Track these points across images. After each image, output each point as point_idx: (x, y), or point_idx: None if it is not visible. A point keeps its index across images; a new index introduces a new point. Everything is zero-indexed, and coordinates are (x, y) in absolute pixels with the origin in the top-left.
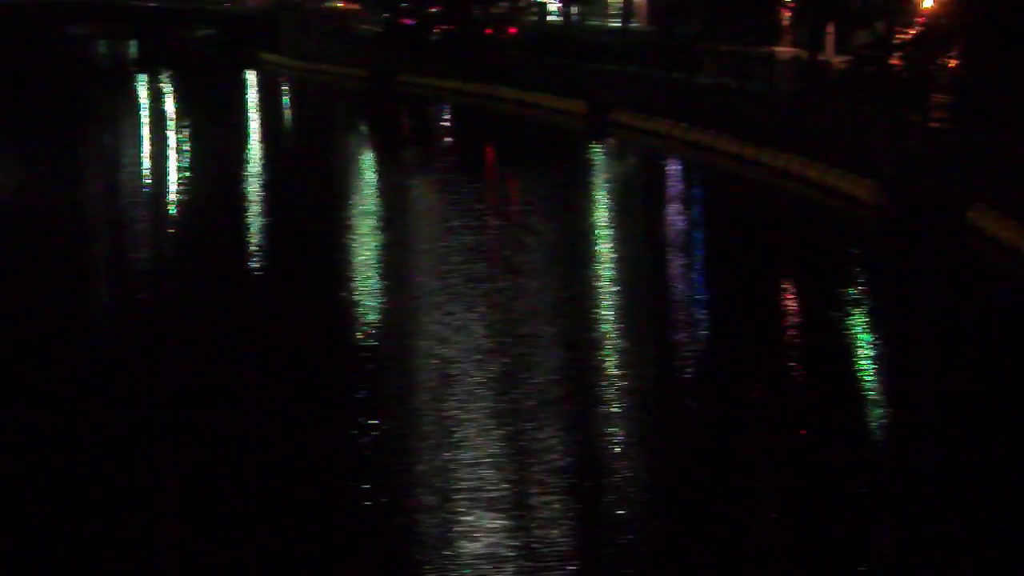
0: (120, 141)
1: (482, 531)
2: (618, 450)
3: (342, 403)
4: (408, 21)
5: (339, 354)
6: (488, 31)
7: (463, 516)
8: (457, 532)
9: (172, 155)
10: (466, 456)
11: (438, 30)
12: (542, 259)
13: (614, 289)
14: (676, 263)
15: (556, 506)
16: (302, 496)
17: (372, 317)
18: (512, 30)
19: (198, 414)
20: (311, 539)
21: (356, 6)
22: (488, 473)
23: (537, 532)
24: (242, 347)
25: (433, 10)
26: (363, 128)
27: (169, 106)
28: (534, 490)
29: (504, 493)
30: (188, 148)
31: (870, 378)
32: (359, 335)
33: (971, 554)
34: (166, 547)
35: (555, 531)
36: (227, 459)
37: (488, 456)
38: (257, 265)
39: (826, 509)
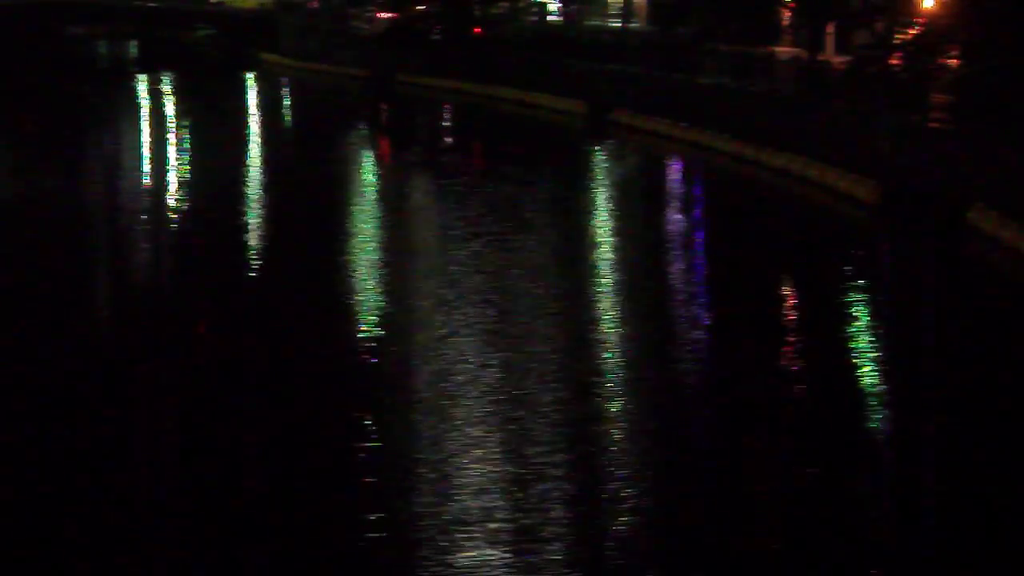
0: (120, 142)
1: (486, 567)
2: (628, 473)
3: (341, 419)
4: (383, 14)
5: (338, 366)
6: (476, 30)
7: (466, 552)
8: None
9: (172, 156)
10: (468, 481)
11: (437, 30)
12: (543, 263)
13: (616, 292)
14: (677, 264)
15: (566, 539)
16: (297, 519)
17: (372, 326)
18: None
19: (191, 432)
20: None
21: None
22: (492, 501)
23: (543, 567)
24: (239, 355)
25: (419, 8)
26: (362, 128)
27: (169, 106)
28: (539, 519)
29: (508, 524)
30: (188, 149)
31: (870, 378)
32: (359, 348)
33: (971, 554)
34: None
35: (562, 564)
36: (217, 484)
37: (492, 482)
38: (255, 272)
39: (828, 513)
